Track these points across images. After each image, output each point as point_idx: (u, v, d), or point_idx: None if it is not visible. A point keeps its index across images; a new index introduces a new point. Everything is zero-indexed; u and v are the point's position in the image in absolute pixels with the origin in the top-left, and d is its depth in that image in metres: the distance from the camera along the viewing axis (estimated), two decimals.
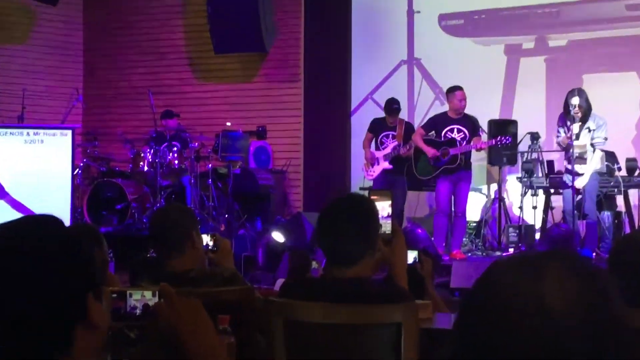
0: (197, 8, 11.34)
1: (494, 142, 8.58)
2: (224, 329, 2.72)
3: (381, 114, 9.49)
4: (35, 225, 1.43)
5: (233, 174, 9.90)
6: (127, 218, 9.80)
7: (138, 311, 2.06)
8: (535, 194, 8.72)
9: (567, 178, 8.15)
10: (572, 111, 7.89)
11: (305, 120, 10.99)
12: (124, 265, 5.10)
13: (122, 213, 9.83)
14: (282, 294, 2.92)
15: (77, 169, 10.07)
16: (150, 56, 11.71)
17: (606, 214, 8.52)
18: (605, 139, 8.05)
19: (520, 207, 8.83)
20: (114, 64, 11.90)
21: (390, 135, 9.21)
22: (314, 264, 6.19)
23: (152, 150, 9.88)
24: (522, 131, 9.30)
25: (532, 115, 9.88)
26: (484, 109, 9.49)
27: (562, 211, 8.53)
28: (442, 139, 8.61)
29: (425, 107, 10.50)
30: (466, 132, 8.57)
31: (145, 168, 9.91)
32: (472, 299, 1.07)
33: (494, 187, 9.67)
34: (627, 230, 8.50)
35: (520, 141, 9.28)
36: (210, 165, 9.94)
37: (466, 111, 8.65)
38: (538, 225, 8.90)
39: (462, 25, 10.65)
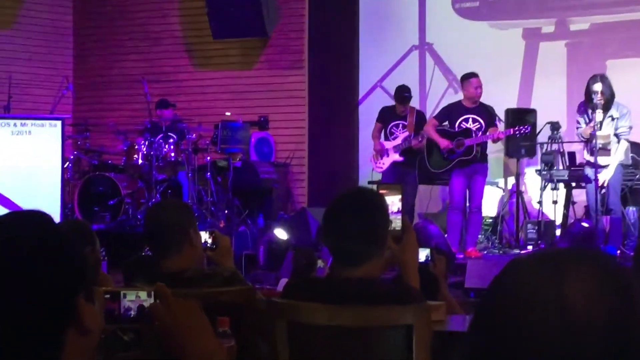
0: None
1: (511, 133, 8.58)
2: (223, 332, 2.73)
3: (391, 102, 9.49)
4: (22, 222, 1.43)
5: (233, 167, 9.90)
6: (121, 214, 9.82)
7: (132, 313, 2.07)
8: (555, 188, 8.70)
9: (589, 171, 8.13)
10: (595, 98, 7.86)
11: (310, 110, 10.99)
12: (117, 264, 5.11)
13: (115, 209, 9.85)
14: (285, 294, 2.93)
15: (68, 162, 10.08)
16: (145, 42, 11.71)
17: (631, 209, 8.51)
18: (630, 127, 8.03)
19: (540, 202, 8.83)
20: (106, 50, 11.90)
21: (401, 125, 9.21)
22: (320, 263, 6.20)
23: (146, 142, 9.88)
24: (541, 121, 9.28)
25: (552, 103, 9.87)
26: (500, 97, 9.48)
27: (585, 206, 8.52)
28: (457, 129, 8.60)
29: (437, 95, 10.49)
30: (482, 122, 8.56)
31: (140, 161, 9.91)
32: (489, 300, 1.07)
33: (512, 180, 9.66)
34: None
35: (540, 131, 9.26)
36: (208, 158, 9.95)
37: (482, 100, 8.64)
38: (558, 221, 8.90)
39: (477, 7, 10.63)
